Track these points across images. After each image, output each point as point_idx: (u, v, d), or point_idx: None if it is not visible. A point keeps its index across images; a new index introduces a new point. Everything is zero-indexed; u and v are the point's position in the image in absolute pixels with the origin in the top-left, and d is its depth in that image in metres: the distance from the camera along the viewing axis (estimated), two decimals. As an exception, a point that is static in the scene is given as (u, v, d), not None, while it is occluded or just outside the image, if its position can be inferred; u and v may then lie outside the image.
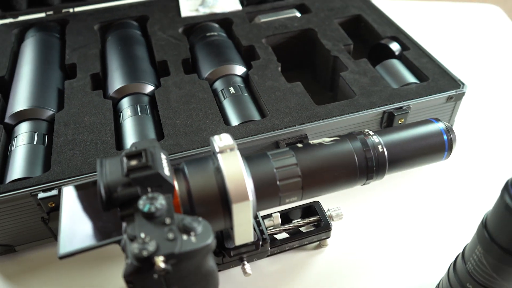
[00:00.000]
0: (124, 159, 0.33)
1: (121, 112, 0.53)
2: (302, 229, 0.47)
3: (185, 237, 0.30)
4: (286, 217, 0.47)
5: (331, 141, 0.40)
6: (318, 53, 0.65)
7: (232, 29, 0.67)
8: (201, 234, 0.31)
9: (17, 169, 0.45)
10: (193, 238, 0.30)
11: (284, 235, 0.46)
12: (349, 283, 0.45)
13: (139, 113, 0.51)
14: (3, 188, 0.43)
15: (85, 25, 0.70)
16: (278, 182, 0.37)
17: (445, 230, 0.49)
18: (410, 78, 0.55)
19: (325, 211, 0.47)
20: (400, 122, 0.51)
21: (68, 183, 0.43)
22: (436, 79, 0.54)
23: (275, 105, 0.51)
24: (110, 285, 0.45)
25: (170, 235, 0.30)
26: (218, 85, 0.56)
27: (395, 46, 0.62)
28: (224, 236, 0.42)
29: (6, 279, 0.46)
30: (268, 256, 0.45)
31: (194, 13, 0.71)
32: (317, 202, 0.48)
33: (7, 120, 0.52)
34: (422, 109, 0.52)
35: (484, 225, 0.33)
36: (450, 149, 0.42)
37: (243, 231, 0.36)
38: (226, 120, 0.51)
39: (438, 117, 0.48)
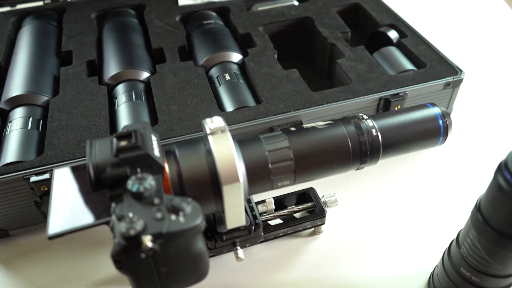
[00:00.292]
0: (114, 140, 0.33)
1: (116, 98, 0.52)
2: (297, 215, 0.46)
3: (173, 217, 0.30)
4: (280, 203, 0.47)
5: (325, 124, 0.39)
6: (316, 41, 0.64)
7: (229, 18, 0.67)
8: (190, 215, 0.30)
9: (10, 153, 0.45)
10: (181, 218, 0.30)
11: (278, 222, 0.46)
12: (344, 270, 0.44)
13: (134, 99, 0.51)
14: (-4, 172, 0.43)
15: (82, 13, 0.69)
16: (270, 165, 0.37)
17: (440, 217, 0.49)
18: (408, 65, 0.55)
19: (320, 197, 0.46)
20: (396, 108, 0.50)
21: (60, 167, 0.43)
22: (433, 66, 0.54)
23: (271, 91, 0.51)
24: (103, 270, 0.45)
25: (158, 215, 0.30)
26: (214, 72, 0.56)
27: (393, 34, 0.61)
28: (217, 220, 0.41)
29: (0, 263, 0.46)
30: (261, 242, 0.45)
31: (191, 2, 0.71)
32: (311, 188, 0.47)
33: (1, 105, 0.52)
34: (419, 95, 0.51)
35: (477, 208, 0.33)
36: (445, 134, 0.42)
37: (235, 214, 0.36)
38: (221, 106, 0.51)
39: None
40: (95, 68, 0.59)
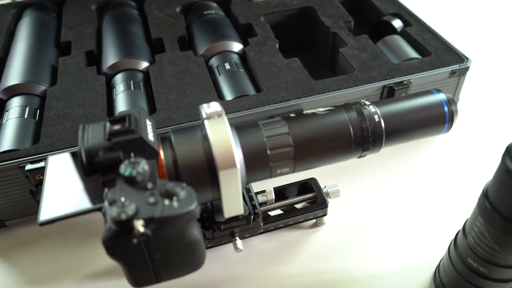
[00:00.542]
0: (107, 124, 0.32)
1: (114, 87, 0.52)
2: (298, 206, 0.45)
3: (167, 202, 0.29)
4: (281, 194, 0.46)
5: (325, 111, 0.38)
6: (318, 31, 0.63)
7: (230, 8, 0.66)
8: (184, 200, 0.29)
9: (6, 141, 0.44)
10: (175, 203, 0.29)
11: (279, 213, 0.44)
12: (347, 263, 0.43)
13: (132, 89, 0.50)
14: (-9, 160, 0.42)
15: (83, 5, 0.69)
16: (268, 151, 0.35)
17: (445, 208, 0.47)
18: (412, 53, 0.53)
19: (322, 188, 0.45)
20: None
21: (55, 154, 0.42)
22: (439, 54, 0.52)
23: (271, 80, 0.50)
24: (100, 261, 0.44)
25: (151, 199, 0.29)
26: (214, 61, 0.55)
27: (397, 23, 0.60)
28: (215, 209, 0.40)
29: (-4, 254, 0.46)
30: (261, 233, 0.44)
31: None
32: (313, 179, 0.46)
33: (-1, 95, 0.51)
34: (424, 84, 0.50)
35: (485, 194, 0.31)
36: (451, 121, 0.40)
37: (232, 202, 0.35)
38: (220, 95, 0.50)
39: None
40: (94, 58, 0.58)
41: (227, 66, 0.53)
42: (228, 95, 0.49)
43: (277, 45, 0.56)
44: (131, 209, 0.28)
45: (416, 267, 0.42)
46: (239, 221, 0.40)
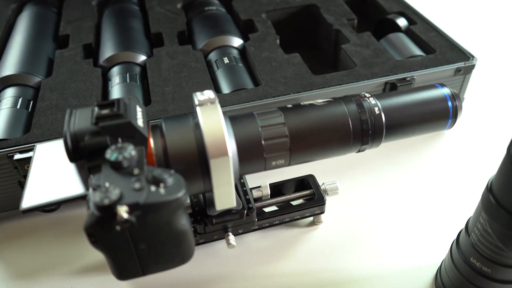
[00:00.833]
0: (96, 108, 0.31)
1: (110, 80, 0.51)
2: (295, 204, 0.43)
3: (153, 188, 0.28)
4: (277, 190, 0.44)
5: (324, 102, 0.37)
6: (320, 28, 0.62)
7: (231, 5, 0.65)
8: (171, 187, 0.28)
9: (-4, 131, 0.43)
10: (162, 190, 0.27)
11: (274, 209, 0.43)
12: (344, 263, 0.41)
13: (128, 81, 0.49)
14: (-20, 149, 0.41)
15: (83, 0, 0.68)
16: (263, 142, 0.34)
17: (448, 208, 0.45)
18: (416, 50, 0.52)
19: (320, 185, 0.44)
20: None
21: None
22: (443, 51, 0.51)
23: (270, 74, 0.49)
24: (88, 257, 0.43)
25: (137, 185, 0.27)
26: (213, 56, 0.54)
27: (402, 22, 0.58)
28: (207, 203, 0.39)
29: (-17, 247, 0.44)
30: (256, 230, 0.42)
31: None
32: (311, 175, 0.45)
33: (-7, 85, 0.50)
34: (428, 81, 0.48)
35: (489, 189, 0.30)
36: (454, 116, 0.39)
37: (224, 194, 0.33)
38: (217, 89, 0.49)
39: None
40: (92, 51, 0.57)
41: (226, 60, 0.52)
42: (226, 89, 0.48)
43: (278, 41, 0.55)
44: (114, 194, 0.26)
45: (416, 268, 0.41)
46: (232, 215, 0.38)
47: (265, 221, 0.41)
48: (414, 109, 0.38)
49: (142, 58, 0.54)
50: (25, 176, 0.42)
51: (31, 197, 0.31)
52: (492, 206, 0.29)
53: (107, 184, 0.27)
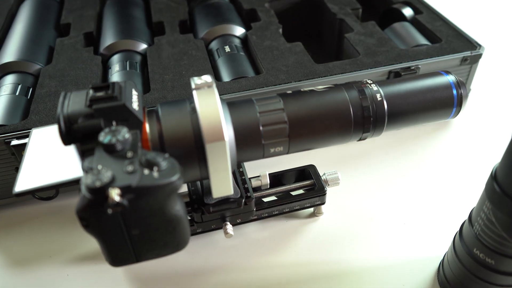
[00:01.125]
0: (90, 91, 0.30)
1: (110, 68, 0.50)
2: (295, 194, 0.43)
3: (146, 171, 0.27)
4: (278, 180, 0.43)
5: (324, 88, 0.36)
6: (324, 18, 0.61)
7: (235, -5, 0.64)
8: (165, 170, 0.27)
9: (-6, 117, 0.43)
10: (155, 174, 0.27)
11: (274, 199, 0.42)
12: (345, 255, 0.40)
13: (128, 69, 0.49)
14: (-23, 135, 0.41)
15: (86, -10, 0.68)
16: (261, 127, 0.33)
17: (451, 200, 0.44)
18: (421, 40, 0.51)
19: (321, 175, 0.43)
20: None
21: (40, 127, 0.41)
22: (449, 41, 0.49)
23: (272, 63, 0.48)
24: (84, 246, 0.42)
25: (130, 168, 0.27)
26: (214, 44, 0.53)
27: (407, 11, 0.57)
28: (205, 191, 0.38)
29: (-20, 234, 0.44)
30: (255, 220, 0.42)
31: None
32: (312, 165, 0.44)
33: (-7, 72, 0.50)
34: (433, 71, 0.47)
35: (493, 176, 0.29)
36: (459, 105, 0.38)
37: (221, 180, 0.33)
38: (218, 77, 0.48)
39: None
40: (93, 40, 0.57)
41: (227, 49, 0.51)
42: (226, 77, 0.47)
43: (280, 30, 0.54)
44: (106, 176, 0.26)
45: (418, 261, 0.40)
46: (230, 204, 0.37)
47: (264, 211, 0.41)
48: (418, 96, 0.37)
49: (143, 46, 0.53)
50: (22, 162, 0.41)
51: (24, 181, 0.31)
52: (496, 194, 0.28)
53: (99, 167, 0.27)
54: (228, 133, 0.32)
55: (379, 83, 0.37)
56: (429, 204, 0.44)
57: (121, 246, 0.29)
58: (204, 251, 0.41)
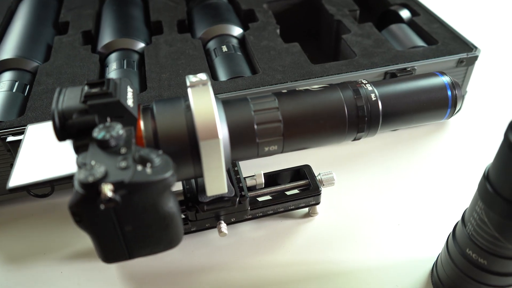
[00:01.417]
0: (85, 87, 0.31)
1: (107, 66, 0.50)
2: (290, 194, 0.43)
3: (139, 167, 0.27)
4: (273, 180, 0.43)
5: (319, 87, 0.36)
6: (322, 19, 0.61)
7: (233, -5, 0.64)
8: (158, 167, 0.27)
9: (-10, 113, 0.43)
10: (148, 170, 0.27)
11: (269, 199, 0.42)
12: (339, 256, 0.40)
13: (125, 67, 0.49)
14: (-27, 131, 0.41)
15: (85, -11, 0.68)
16: (255, 126, 0.33)
17: (445, 201, 0.44)
18: (418, 41, 0.51)
19: (316, 175, 0.43)
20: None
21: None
22: (446, 43, 0.50)
23: (268, 63, 0.48)
24: (79, 243, 0.42)
25: (123, 164, 0.27)
26: (211, 44, 0.53)
27: (405, 13, 0.57)
28: (199, 190, 0.38)
29: (-25, 231, 0.44)
30: (249, 219, 0.42)
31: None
32: (307, 165, 0.44)
33: (-10, 69, 0.50)
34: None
35: (485, 176, 0.29)
36: (454, 106, 0.38)
37: (215, 178, 0.33)
38: (215, 77, 0.48)
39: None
40: (91, 38, 0.57)
41: (224, 48, 0.51)
42: (223, 77, 0.47)
43: (277, 31, 0.55)
44: (99, 172, 0.26)
45: (412, 262, 0.40)
46: (224, 203, 0.37)
47: (258, 211, 0.41)
48: (412, 97, 0.37)
49: (141, 45, 0.53)
50: (18, 159, 0.41)
51: (18, 176, 0.31)
52: (489, 194, 0.28)
53: (92, 162, 0.27)
54: (223, 131, 0.32)
55: (374, 83, 0.37)
56: (424, 205, 0.44)
57: (114, 242, 0.29)
58: (198, 250, 0.41)
